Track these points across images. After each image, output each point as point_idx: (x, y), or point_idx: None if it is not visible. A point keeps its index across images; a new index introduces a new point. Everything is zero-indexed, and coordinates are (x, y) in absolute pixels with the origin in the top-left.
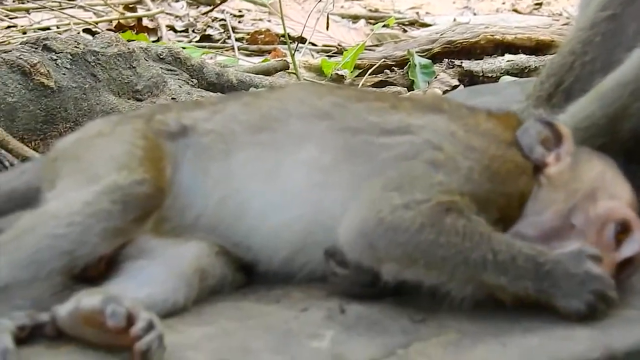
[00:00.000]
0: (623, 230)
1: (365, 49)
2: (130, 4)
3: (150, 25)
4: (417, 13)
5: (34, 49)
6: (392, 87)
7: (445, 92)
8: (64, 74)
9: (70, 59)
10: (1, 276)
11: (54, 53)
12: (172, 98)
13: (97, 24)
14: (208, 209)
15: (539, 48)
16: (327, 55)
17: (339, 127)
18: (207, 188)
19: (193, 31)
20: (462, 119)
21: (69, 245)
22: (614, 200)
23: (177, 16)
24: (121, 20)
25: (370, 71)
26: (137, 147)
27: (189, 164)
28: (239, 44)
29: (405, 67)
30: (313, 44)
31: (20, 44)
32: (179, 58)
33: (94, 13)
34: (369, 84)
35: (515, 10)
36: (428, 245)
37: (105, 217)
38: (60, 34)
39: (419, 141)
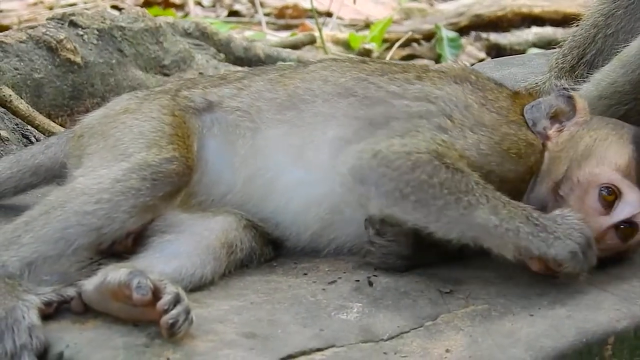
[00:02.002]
0: (612, 194)
1: (393, 23)
2: None
3: (178, 1)
4: None
5: (60, 25)
6: (419, 60)
7: (472, 64)
8: (90, 50)
9: (97, 35)
10: (28, 252)
11: (80, 29)
12: (200, 73)
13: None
14: (236, 186)
15: (565, 20)
16: (355, 29)
17: (361, 101)
18: (235, 165)
19: (220, 6)
20: (484, 92)
21: (97, 221)
22: (599, 166)
23: None
24: None
25: (397, 45)
26: (165, 124)
27: (216, 140)
28: (267, 18)
29: (432, 41)
30: (340, 18)
31: (47, 19)
32: (206, 33)
33: None
34: (396, 57)
35: None
36: (420, 183)
37: (134, 194)
38: (86, 9)
39: (433, 109)
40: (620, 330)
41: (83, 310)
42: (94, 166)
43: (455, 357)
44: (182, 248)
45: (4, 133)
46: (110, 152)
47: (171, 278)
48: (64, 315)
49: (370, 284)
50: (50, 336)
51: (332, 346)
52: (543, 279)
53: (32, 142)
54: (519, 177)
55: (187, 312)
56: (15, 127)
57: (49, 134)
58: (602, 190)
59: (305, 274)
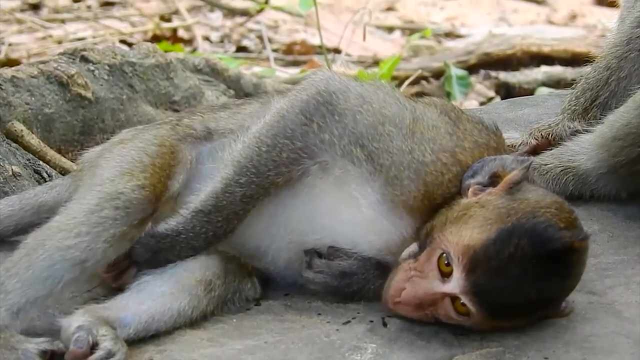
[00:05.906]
0: (450, 265)
1: (402, 60)
2: (166, 15)
3: (186, 36)
4: (453, 24)
5: (71, 60)
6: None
7: (482, 103)
8: (101, 85)
9: (108, 70)
10: (15, 299)
11: (91, 64)
12: None
13: (132, 34)
14: None
15: (575, 60)
16: (363, 66)
17: None
18: None
19: (229, 42)
20: (457, 124)
21: (80, 254)
22: (456, 236)
23: (212, 27)
24: (157, 31)
25: (407, 82)
26: (146, 153)
27: (210, 168)
28: (275, 54)
29: (441, 78)
30: (348, 55)
31: (58, 54)
32: (216, 69)
33: (130, 23)
34: None
35: (551, 22)
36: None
37: (111, 224)
38: (95, 44)
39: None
40: None
41: None
42: (75, 199)
43: None
44: (158, 288)
45: (16, 169)
46: (90, 183)
47: (146, 315)
48: None
49: (385, 324)
50: None
51: None
52: (557, 322)
53: (43, 178)
54: (421, 197)
55: None
56: (27, 162)
57: (60, 169)
58: (444, 256)
59: (319, 314)
